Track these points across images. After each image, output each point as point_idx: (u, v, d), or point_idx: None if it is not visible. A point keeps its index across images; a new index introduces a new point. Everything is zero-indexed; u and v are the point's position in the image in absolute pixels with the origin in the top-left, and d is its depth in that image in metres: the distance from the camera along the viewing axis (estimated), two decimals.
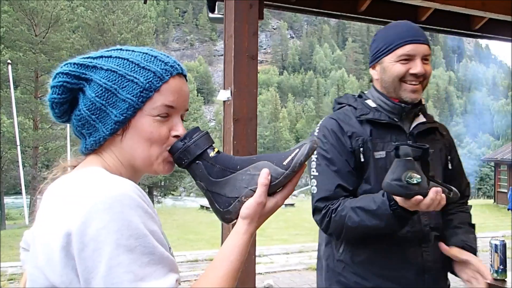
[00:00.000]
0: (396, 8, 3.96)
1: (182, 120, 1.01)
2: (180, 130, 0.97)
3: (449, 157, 1.81)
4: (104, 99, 0.91)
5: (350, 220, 1.56)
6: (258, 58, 2.84)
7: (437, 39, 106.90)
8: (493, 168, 28.51)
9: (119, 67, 0.93)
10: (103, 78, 0.92)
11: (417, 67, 1.62)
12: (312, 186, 1.68)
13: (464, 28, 4.30)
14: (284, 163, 0.95)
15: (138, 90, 0.92)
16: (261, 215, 0.96)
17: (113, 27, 31.27)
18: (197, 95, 51.84)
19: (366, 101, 1.75)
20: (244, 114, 2.67)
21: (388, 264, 1.63)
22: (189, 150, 0.97)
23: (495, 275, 2.25)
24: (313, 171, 1.67)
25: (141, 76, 0.92)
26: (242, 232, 0.95)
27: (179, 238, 13.73)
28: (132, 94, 0.91)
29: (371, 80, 1.79)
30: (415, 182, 1.40)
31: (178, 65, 0.99)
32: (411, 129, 1.71)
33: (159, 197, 35.53)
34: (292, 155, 0.96)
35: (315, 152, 1.54)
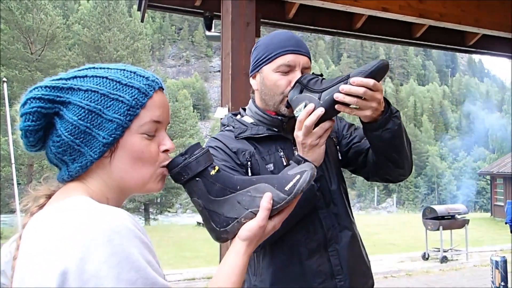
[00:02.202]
0: (390, 25, 4.00)
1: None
2: (168, 144, 0.94)
3: (335, 140, 1.74)
4: (88, 121, 0.86)
5: None
6: None
7: (430, 53, 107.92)
8: (489, 182, 28.54)
9: (100, 86, 0.88)
10: (84, 100, 0.86)
11: (296, 78, 1.51)
12: None
13: (458, 44, 4.35)
14: (286, 189, 0.96)
15: (125, 108, 0.87)
16: (260, 238, 0.96)
17: (109, 44, 31.39)
18: (193, 111, 51.90)
19: (243, 118, 1.68)
20: None
21: (294, 276, 1.56)
22: (190, 167, 0.96)
23: None
24: None
25: (126, 94, 0.88)
26: (242, 253, 0.95)
27: (176, 256, 13.61)
28: (118, 113, 0.87)
29: (252, 91, 1.71)
30: (301, 112, 1.41)
31: (158, 78, 0.96)
32: None
33: (155, 214, 35.29)
34: (294, 181, 0.97)
35: None
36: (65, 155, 0.89)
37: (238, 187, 0.98)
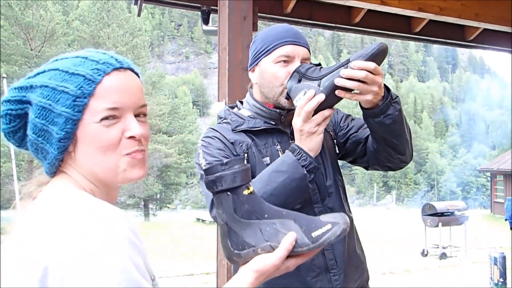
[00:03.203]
0: (390, 19, 3.97)
1: (144, 116, 0.91)
2: (134, 129, 0.86)
3: (332, 134, 1.71)
4: (44, 118, 0.83)
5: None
6: None
7: (431, 49, 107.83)
8: (489, 179, 28.54)
9: (51, 79, 0.84)
10: (38, 96, 0.83)
11: None
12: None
13: (459, 38, 4.31)
14: (313, 235, 0.92)
15: (71, 100, 0.82)
16: (270, 275, 0.93)
17: (108, 40, 31.33)
18: (193, 108, 51.88)
19: (239, 111, 1.66)
20: None
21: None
22: (226, 179, 0.93)
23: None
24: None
25: (71, 84, 0.82)
26: (249, 283, 0.91)
27: (175, 252, 13.63)
28: (65, 106, 0.82)
29: (251, 86, 1.69)
30: (301, 101, 1.39)
31: (116, 59, 0.88)
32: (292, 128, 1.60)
33: (154, 210, 35.31)
34: (324, 229, 0.93)
35: (201, 154, 1.51)
36: (38, 154, 0.88)
37: (266, 215, 0.95)
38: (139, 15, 4.26)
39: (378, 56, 1.32)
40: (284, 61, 1.53)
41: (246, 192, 0.95)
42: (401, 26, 4.05)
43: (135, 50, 32.26)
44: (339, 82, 1.33)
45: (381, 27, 3.96)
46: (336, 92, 1.35)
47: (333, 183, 1.62)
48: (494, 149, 63.15)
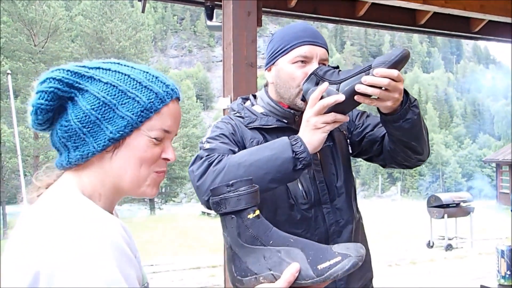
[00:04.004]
0: (394, 12, 3.95)
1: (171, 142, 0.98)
2: (170, 154, 0.93)
3: (346, 134, 1.70)
4: (101, 113, 0.85)
5: (233, 159, 1.36)
6: (257, 64, 2.83)
7: (435, 40, 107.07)
8: (494, 169, 28.46)
9: (120, 82, 0.88)
10: (102, 91, 0.86)
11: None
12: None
13: (464, 30, 4.29)
14: (319, 267, 0.88)
15: (139, 109, 0.87)
16: None
17: (111, 35, 31.32)
18: (196, 101, 51.85)
19: (253, 107, 1.64)
20: None
21: None
22: (230, 201, 0.92)
23: (502, 280, 2.23)
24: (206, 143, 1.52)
25: (143, 95, 0.88)
26: None
27: (181, 245, 13.70)
28: (132, 112, 0.87)
29: (266, 84, 1.66)
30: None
31: (177, 88, 0.95)
32: None
33: (160, 204, 35.44)
34: (332, 262, 0.88)
35: (211, 134, 1.51)
36: (69, 141, 0.88)
37: (271, 242, 0.92)
38: (143, 11, 4.27)
39: (401, 63, 1.31)
40: (302, 62, 1.50)
41: (251, 215, 0.92)
42: (405, 19, 4.03)
43: (138, 45, 32.25)
44: (360, 88, 1.30)
45: (385, 20, 3.94)
46: (356, 97, 1.32)
47: (343, 183, 1.61)
48: (500, 140, 62.84)
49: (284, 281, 0.88)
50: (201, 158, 1.42)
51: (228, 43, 2.77)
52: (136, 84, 0.89)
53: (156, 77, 0.92)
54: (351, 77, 1.32)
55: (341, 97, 1.31)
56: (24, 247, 0.78)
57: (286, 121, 1.57)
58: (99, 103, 0.86)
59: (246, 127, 1.57)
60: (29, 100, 0.88)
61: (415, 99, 1.42)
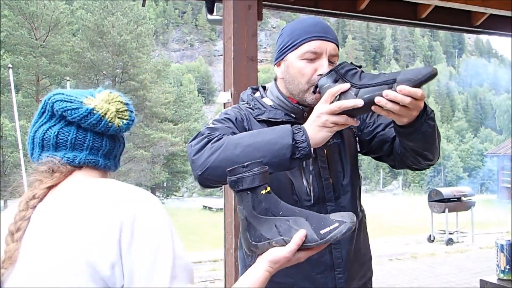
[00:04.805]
0: (396, 6, 3.94)
1: None
2: None
3: (355, 131, 1.67)
4: None
5: (232, 138, 1.35)
6: (258, 57, 2.82)
7: (437, 34, 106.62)
8: (496, 163, 28.43)
9: None
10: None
11: (323, 67, 1.45)
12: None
13: (465, 24, 4.27)
14: (321, 232, 1.04)
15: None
16: (282, 265, 1.07)
17: (112, 29, 31.24)
18: (198, 96, 51.78)
19: (262, 99, 1.62)
20: None
21: (294, 265, 1.52)
22: (246, 180, 1.05)
23: (501, 275, 2.24)
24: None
25: None
26: (264, 270, 1.05)
27: (182, 239, 13.60)
28: None
29: (275, 79, 1.64)
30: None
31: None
32: None
33: (161, 198, 35.52)
34: (331, 227, 1.04)
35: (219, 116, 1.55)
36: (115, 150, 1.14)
37: (281, 213, 1.08)
38: (143, 5, 4.26)
39: (427, 82, 1.27)
40: (311, 57, 1.48)
41: (263, 192, 1.07)
42: (407, 13, 4.01)
43: (139, 38, 32.17)
44: (381, 101, 1.25)
45: (387, 13, 3.93)
46: (373, 107, 1.28)
47: (349, 181, 1.60)
48: (501, 134, 62.76)
49: (294, 244, 1.03)
50: (202, 134, 1.42)
51: (228, 37, 2.77)
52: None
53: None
54: (372, 86, 1.28)
55: (359, 103, 1.27)
56: (103, 209, 0.89)
57: (294, 116, 1.56)
58: None
59: (255, 118, 1.56)
60: (115, 108, 1.06)
61: (432, 111, 1.38)
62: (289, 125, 1.34)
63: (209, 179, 1.36)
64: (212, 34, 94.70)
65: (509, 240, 2.04)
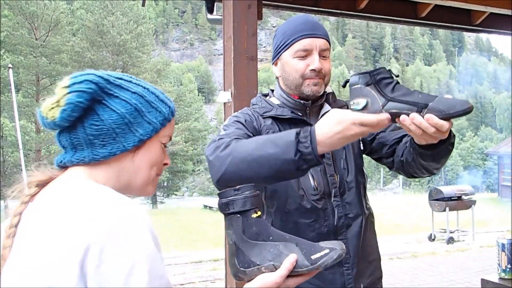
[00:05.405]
0: (395, 5, 3.94)
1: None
2: (167, 159, 1.10)
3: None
4: (132, 118, 0.98)
5: (239, 148, 1.35)
6: (258, 57, 2.83)
7: (437, 33, 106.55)
8: (496, 162, 28.43)
9: (145, 93, 1.02)
10: (133, 99, 0.99)
11: (314, 62, 1.56)
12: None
13: (465, 23, 4.26)
14: (312, 258, 1.02)
15: (161, 118, 1.03)
16: None
17: (112, 28, 31.25)
18: (198, 95, 51.80)
19: (270, 98, 1.72)
20: None
21: None
22: (237, 203, 1.05)
23: (502, 274, 2.24)
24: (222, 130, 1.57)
25: (163, 107, 1.04)
26: None
27: (183, 238, 13.74)
28: (157, 120, 1.02)
29: (277, 77, 1.73)
30: (359, 108, 1.25)
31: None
32: (317, 120, 1.51)
33: (162, 198, 35.54)
34: (322, 253, 1.03)
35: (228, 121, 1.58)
36: (98, 139, 0.96)
37: (271, 238, 1.06)
38: (143, 5, 4.26)
39: (459, 117, 1.23)
40: (303, 54, 1.58)
41: (254, 215, 1.06)
42: (406, 12, 4.00)
43: (139, 38, 32.19)
44: (405, 121, 1.21)
45: (386, 12, 3.92)
46: (396, 120, 1.24)
47: (354, 178, 1.63)
48: (501, 132, 62.74)
49: (284, 269, 1.00)
50: (214, 141, 1.47)
51: (228, 37, 2.76)
52: (155, 97, 1.04)
53: (163, 94, 1.08)
54: (402, 103, 1.23)
55: (383, 119, 1.22)
56: (70, 226, 0.82)
57: (300, 114, 1.63)
58: (132, 108, 0.99)
59: (262, 116, 1.63)
60: (57, 97, 0.95)
61: (454, 136, 1.38)
62: (293, 134, 1.27)
63: (226, 185, 1.36)
64: (212, 34, 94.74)
65: (510, 239, 2.04)
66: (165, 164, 1.09)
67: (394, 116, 1.23)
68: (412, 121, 1.21)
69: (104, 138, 0.96)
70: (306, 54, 1.57)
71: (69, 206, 0.86)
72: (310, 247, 1.04)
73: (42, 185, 0.97)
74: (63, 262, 0.80)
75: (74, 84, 0.95)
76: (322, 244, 1.05)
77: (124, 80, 1.02)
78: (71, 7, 34.74)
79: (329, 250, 1.02)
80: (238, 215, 1.05)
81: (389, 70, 1.32)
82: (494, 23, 4.28)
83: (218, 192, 1.09)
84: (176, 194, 39.26)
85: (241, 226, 1.05)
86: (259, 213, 1.07)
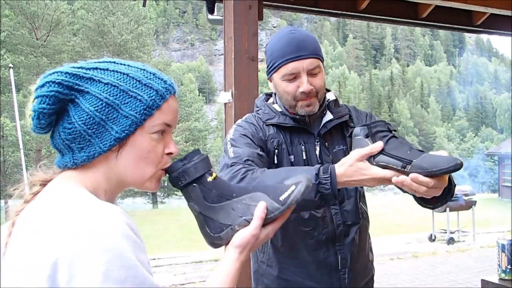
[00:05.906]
0: (396, 5, 3.94)
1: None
2: (172, 148, 0.98)
3: None
4: (104, 114, 0.87)
5: (259, 183, 1.36)
6: (259, 57, 2.83)
7: (438, 33, 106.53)
8: (497, 162, 28.41)
9: (120, 81, 0.90)
10: (103, 92, 0.87)
11: (303, 85, 1.54)
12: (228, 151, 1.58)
13: (466, 24, 4.26)
14: (281, 199, 0.97)
15: (142, 107, 0.90)
16: (253, 246, 0.98)
17: (113, 28, 31.25)
18: (199, 95, 51.77)
19: (273, 105, 1.71)
20: None
21: (301, 265, 1.63)
22: (188, 172, 0.98)
23: (503, 275, 2.24)
24: (228, 145, 1.58)
25: (144, 94, 0.91)
26: (234, 260, 0.97)
27: (183, 238, 13.74)
28: (135, 111, 0.89)
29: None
30: None
31: (174, 84, 0.98)
32: (319, 129, 1.64)
33: (162, 198, 35.52)
34: (289, 191, 0.98)
35: (232, 134, 1.59)
36: (74, 143, 0.89)
37: (234, 195, 1.00)
38: (144, 5, 4.26)
39: (444, 175, 1.23)
40: (290, 78, 1.56)
41: (210, 178, 1.00)
42: (407, 12, 4.01)
43: (140, 38, 32.19)
44: (398, 184, 1.27)
45: (387, 13, 3.93)
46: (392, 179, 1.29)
47: (353, 187, 1.65)
48: (502, 133, 62.73)
49: (257, 219, 0.95)
50: (227, 166, 1.48)
51: (229, 37, 2.77)
52: (136, 83, 0.91)
53: (154, 74, 0.94)
54: (390, 157, 1.29)
55: (380, 147, 1.30)
56: (40, 238, 0.78)
57: (302, 123, 1.63)
58: (102, 104, 0.87)
59: (264, 123, 1.64)
60: (28, 105, 0.88)
61: (455, 186, 1.38)
62: (314, 177, 1.32)
63: None
64: (212, 34, 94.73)
65: (510, 240, 2.04)
66: (169, 153, 0.98)
67: (384, 168, 1.29)
68: (396, 183, 1.25)
69: (80, 141, 0.88)
70: (294, 76, 1.56)
71: (42, 218, 0.82)
72: (275, 189, 0.99)
73: (44, 184, 0.93)
74: (31, 278, 0.77)
75: (37, 88, 0.87)
76: (287, 182, 1.01)
77: (99, 69, 0.91)
78: (72, 7, 34.76)
79: (295, 186, 0.98)
80: (194, 184, 0.99)
81: (387, 124, 1.38)
82: (495, 23, 4.28)
83: (165, 168, 1.00)
84: (176, 194, 39.16)
85: (200, 193, 0.99)
86: (214, 175, 1.01)
